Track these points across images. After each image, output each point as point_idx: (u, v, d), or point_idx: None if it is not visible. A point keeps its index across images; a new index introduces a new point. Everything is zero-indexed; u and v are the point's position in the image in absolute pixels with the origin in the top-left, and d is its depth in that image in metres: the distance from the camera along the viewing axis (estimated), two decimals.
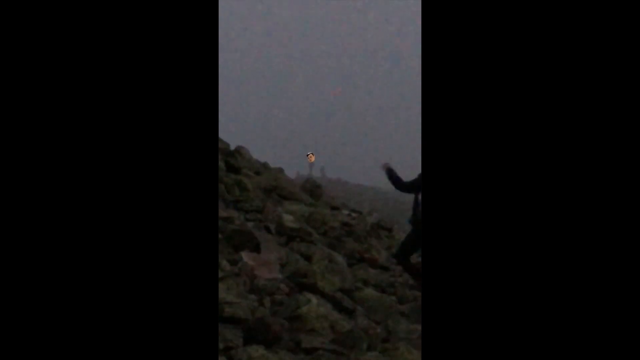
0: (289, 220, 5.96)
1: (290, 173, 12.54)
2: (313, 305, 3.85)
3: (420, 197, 4.94)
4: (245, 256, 4.53)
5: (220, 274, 3.89)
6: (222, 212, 5.27)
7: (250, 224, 5.54)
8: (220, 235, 4.62)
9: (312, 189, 9.23)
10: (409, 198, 5.46)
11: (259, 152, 10.81)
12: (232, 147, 8.68)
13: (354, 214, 8.50)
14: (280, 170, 10.09)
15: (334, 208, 8.24)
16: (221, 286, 3.65)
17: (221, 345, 3.01)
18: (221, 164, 7.01)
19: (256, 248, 4.78)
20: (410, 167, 5.76)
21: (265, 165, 9.71)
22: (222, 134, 7.14)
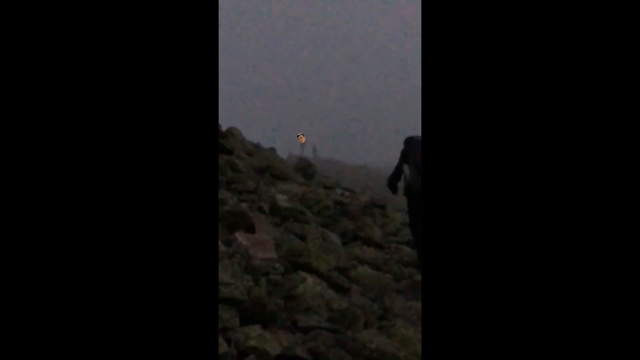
0: (282, 200, 5.94)
1: (283, 154, 12.50)
2: (309, 285, 3.85)
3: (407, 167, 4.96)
4: (240, 237, 4.51)
5: None
6: None
7: (243, 205, 5.51)
8: None
9: (305, 169, 9.21)
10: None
11: (251, 133, 10.74)
12: (224, 129, 8.62)
13: (347, 193, 8.49)
14: (273, 150, 10.05)
15: (327, 187, 8.22)
16: None
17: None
18: None
19: (250, 229, 4.76)
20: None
21: (257, 146, 9.66)
22: None
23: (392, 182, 5.29)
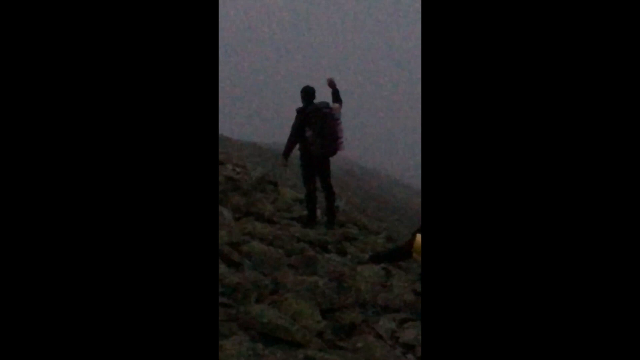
0: None
1: None
2: None
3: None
4: None
5: None
6: None
7: None
8: None
9: None
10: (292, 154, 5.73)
11: None
12: None
13: (238, 169, 8.36)
14: None
15: (218, 163, 8.03)
16: None
17: None
18: None
19: None
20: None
21: None
22: None
23: (295, 140, 5.90)
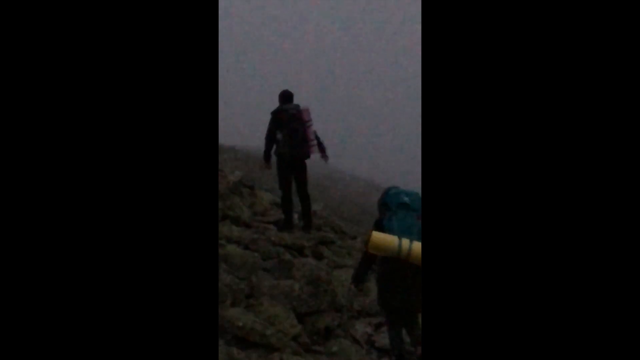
0: None
1: None
2: None
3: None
4: None
5: None
6: None
7: None
8: None
9: None
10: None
11: None
12: None
13: None
14: None
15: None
16: None
17: None
18: None
19: None
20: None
21: None
22: None
23: (269, 144, 5.92)
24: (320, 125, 6.04)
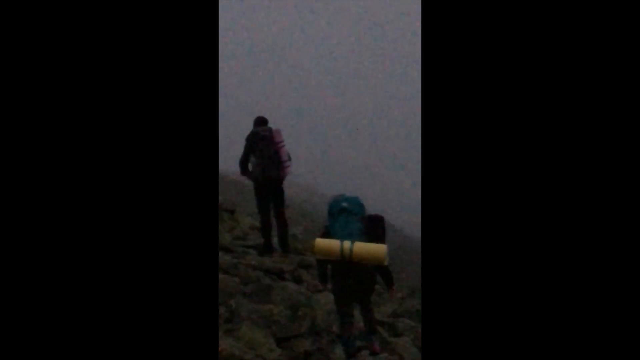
0: None
1: None
2: None
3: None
4: None
5: None
6: None
7: None
8: None
9: None
10: (250, 182, 5.77)
11: None
12: None
13: None
14: None
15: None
16: None
17: None
18: None
19: None
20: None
21: None
22: None
23: (243, 169, 5.98)
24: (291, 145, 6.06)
